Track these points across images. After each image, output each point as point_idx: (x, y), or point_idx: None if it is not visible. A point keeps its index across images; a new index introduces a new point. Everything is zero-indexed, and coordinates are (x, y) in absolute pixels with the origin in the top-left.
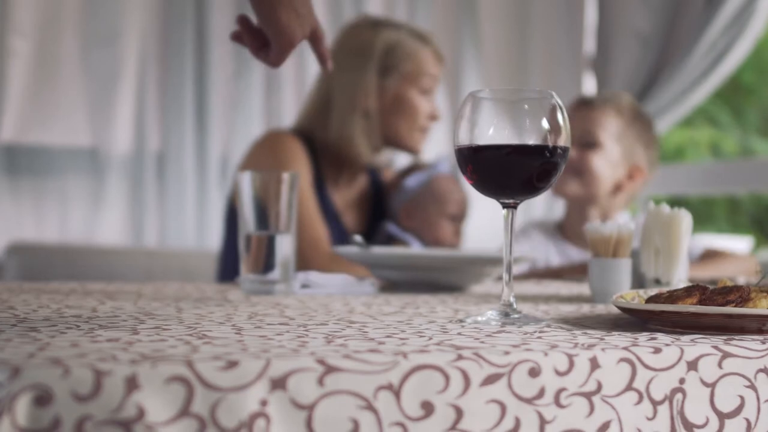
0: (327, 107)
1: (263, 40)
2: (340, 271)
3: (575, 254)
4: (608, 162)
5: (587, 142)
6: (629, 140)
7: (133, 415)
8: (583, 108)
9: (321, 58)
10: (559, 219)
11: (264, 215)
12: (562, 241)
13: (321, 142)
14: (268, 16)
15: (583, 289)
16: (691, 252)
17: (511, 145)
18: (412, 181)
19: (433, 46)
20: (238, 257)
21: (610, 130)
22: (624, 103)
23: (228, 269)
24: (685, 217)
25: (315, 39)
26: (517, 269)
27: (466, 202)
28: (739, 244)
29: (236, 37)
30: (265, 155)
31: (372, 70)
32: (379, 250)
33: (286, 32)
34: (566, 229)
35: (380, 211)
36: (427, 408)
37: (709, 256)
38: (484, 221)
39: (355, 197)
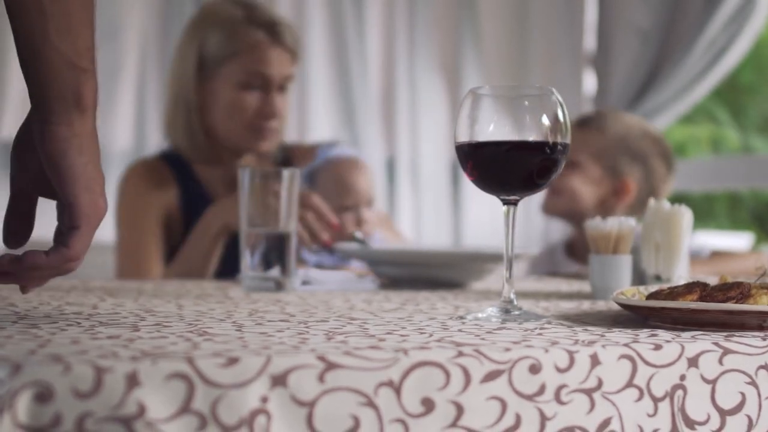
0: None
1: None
2: None
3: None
4: (587, 179)
5: (568, 162)
6: (612, 157)
7: (133, 412)
8: (574, 128)
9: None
10: (567, 239)
11: (264, 212)
12: (568, 262)
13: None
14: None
15: (583, 285)
16: (699, 255)
17: (511, 141)
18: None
19: (272, 36)
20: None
21: (589, 150)
22: (610, 122)
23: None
24: (686, 214)
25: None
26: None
27: (363, 187)
28: (740, 240)
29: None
30: (120, 197)
31: (191, 57)
32: (379, 247)
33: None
34: (572, 249)
35: None
36: (428, 405)
37: (717, 256)
38: (484, 217)
39: None
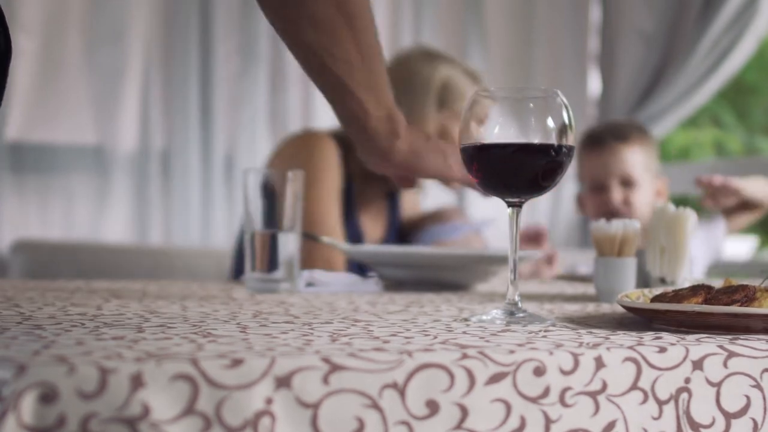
0: None
1: None
2: None
3: None
4: (648, 193)
5: (626, 179)
6: (652, 162)
7: (138, 413)
8: (597, 148)
9: None
10: None
11: (269, 213)
12: None
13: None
14: None
15: (588, 288)
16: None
17: (516, 143)
18: (428, 235)
19: (483, 86)
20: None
21: (641, 165)
22: (634, 131)
23: (240, 268)
24: (690, 216)
25: None
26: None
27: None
28: (743, 243)
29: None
30: (298, 155)
31: (431, 103)
32: (384, 249)
33: None
34: None
35: (392, 240)
36: (432, 407)
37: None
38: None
39: (377, 217)
